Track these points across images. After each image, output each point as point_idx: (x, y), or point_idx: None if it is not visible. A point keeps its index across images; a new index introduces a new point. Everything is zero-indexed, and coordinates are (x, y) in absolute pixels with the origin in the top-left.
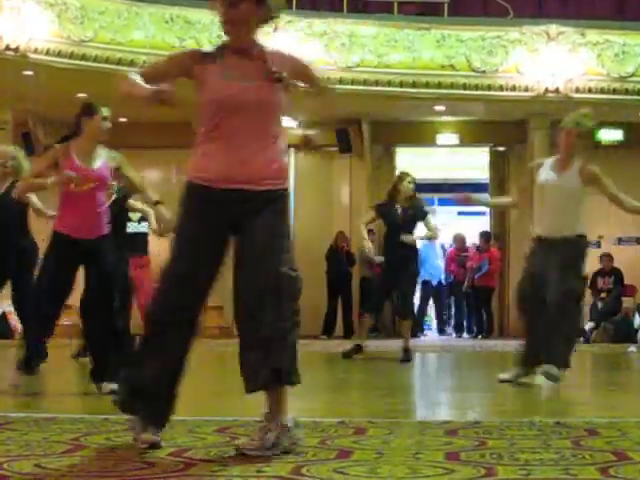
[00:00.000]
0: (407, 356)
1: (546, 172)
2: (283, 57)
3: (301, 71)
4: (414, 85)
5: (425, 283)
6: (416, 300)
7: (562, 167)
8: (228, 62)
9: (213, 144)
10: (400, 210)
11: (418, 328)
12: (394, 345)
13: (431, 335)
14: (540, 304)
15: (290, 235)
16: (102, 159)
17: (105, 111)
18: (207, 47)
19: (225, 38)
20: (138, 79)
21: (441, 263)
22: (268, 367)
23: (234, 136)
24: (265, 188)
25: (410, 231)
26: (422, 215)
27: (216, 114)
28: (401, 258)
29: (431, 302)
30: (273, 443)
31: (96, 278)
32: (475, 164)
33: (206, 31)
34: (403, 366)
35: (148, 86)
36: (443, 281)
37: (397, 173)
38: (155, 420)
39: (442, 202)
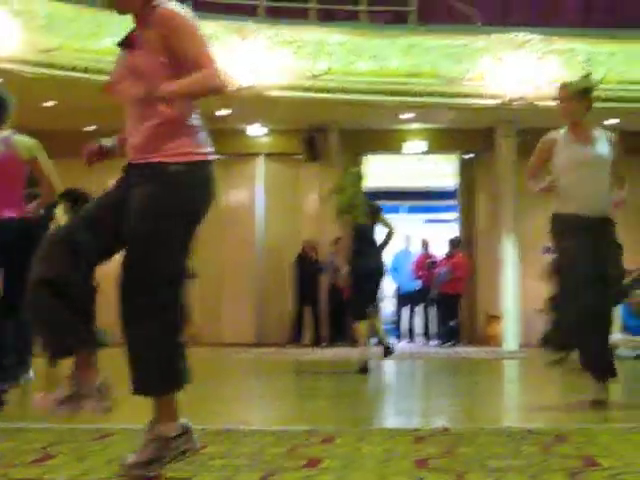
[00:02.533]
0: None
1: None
2: (168, 22)
3: (181, 47)
4: (381, 93)
5: (397, 290)
6: (393, 307)
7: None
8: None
9: None
10: None
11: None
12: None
13: (399, 342)
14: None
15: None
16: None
17: None
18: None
19: None
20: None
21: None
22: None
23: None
24: (139, 162)
25: None
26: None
27: None
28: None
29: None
30: (150, 460)
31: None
32: (443, 171)
33: None
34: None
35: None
36: (415, 288)
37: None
38: None
39: (410, 209)
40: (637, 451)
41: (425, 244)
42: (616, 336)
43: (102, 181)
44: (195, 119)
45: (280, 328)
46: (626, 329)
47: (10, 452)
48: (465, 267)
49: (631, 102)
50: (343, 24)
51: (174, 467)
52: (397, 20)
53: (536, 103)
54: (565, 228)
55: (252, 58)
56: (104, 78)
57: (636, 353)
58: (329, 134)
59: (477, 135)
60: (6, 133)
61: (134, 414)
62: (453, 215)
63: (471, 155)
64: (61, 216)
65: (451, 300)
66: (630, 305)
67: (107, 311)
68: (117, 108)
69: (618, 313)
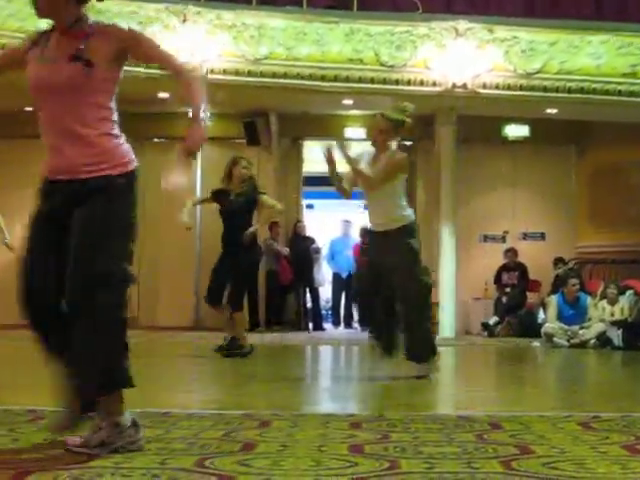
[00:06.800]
0: (237, 349)
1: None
2: (115, 34)
3: (145, 52)
4: (322, 78)
5: (335, 276)
6: (328, 293)
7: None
8: (50, 44)
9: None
10: (233, 196)
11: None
12: (298, 338)
13: (336, 328)
14: None
15: (126, 226)
16: None
17: None
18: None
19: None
20: None
21: (351, 256)
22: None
23: (52, 122)
24: (86, 176)
25: (244, 218)
26: (253, 199)
27: (35, 100)
28: (235, 246)
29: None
30: (101, 442)
31: None
32: None
33: (115, 20)
34: (242, 360)
35: None
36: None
37: (231, 157)
38: None
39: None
40: (571, 439)
41: (363, 230)
42: (551, 325)
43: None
44: None
45: (216, 313)
46: (561, 318)
47: None
48: None
49: (570, 92)
50: (285, 9)
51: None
52: (339, 6)
53: (477, 91)
54: None
55: (193, 41)
56: None
57: (571, 342)
58: (270, 119)
59: (417, 122)
60: None
61: None
62: None
63: (410, 142)
64: None
65: None
66: (565, 295)
67: None
68: None
69: (553, 302)
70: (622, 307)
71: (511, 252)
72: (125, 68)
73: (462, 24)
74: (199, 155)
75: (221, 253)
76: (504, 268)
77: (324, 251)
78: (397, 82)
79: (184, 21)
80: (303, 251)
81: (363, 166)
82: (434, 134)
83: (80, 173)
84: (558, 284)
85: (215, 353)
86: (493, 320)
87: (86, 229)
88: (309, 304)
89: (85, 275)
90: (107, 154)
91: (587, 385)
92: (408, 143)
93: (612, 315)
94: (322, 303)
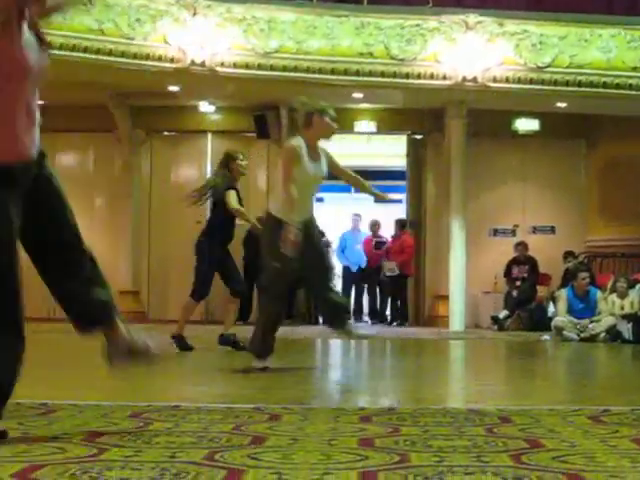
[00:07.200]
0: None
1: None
2: None
3: None
4: (333, 72)
5: (345, 269)
6: (338, 287)
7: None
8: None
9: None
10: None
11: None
12: (309, 331)
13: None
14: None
15: None
16: None
17: None
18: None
19: None
20: None
21: (361, 249)
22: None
23: (29, 104)
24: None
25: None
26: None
27: (17, 82)
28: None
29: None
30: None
31: None
32: (393, 151)
33: (125, 14)
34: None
35: None
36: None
37: (226, 152)
38: None
39: (358, 190)
40: (581, 433)
41: (373, 224)
42: (561, 319)
43: None
44: None
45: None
46: (571, 312)
47: None
48: (411, 247)
49: (580, 86)
50: (295, 2)
51: (120, 444)
52: None
53: (487, 84)
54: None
55: (203, 35)
56: None
57: (581, 335)
58: (280, 112)
59: (427, 115)
60: None
61: (78, 391)
62: (403, 195)
63: (420, 135)
64: None
65: (399, 280)
66: (575, 288)
67: None
68: None
69: (563, 296)
70: (632, 301)
71: (521, 246)
72: (135, 61)
73: (472, 18)
74: (209, 147)
75: (215, 248)
76: (514, 262)
77: (334, 245)
78: (407, 76)
79: (194, 14)
80: None
81: (306, 159)
82: (444, 127)
83: (35, 147)
84: (568, 278)
85: (238, 349)
86: (503, 314)
87: (62, 195)
88: None
89: (78, 233)
90: None
91: (597, 379)
92: (418, 136)
93: (622, 309)
94: None
